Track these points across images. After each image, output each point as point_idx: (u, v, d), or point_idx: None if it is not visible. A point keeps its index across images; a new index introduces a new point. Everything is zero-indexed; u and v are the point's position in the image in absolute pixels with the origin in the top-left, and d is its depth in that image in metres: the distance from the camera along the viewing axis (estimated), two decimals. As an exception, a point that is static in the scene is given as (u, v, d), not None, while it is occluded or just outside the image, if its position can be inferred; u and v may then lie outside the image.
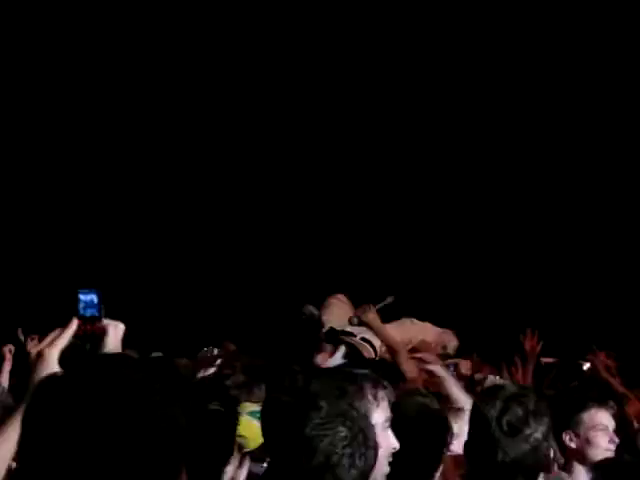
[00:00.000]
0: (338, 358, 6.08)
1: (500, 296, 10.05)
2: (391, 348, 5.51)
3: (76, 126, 10.57)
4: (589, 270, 10.31)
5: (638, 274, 9.99)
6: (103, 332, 2.53)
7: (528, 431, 2.93)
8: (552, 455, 3.00)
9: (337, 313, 6.53)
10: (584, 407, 4.30)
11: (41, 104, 10.38)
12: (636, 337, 8.75)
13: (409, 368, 5.19)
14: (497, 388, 3.19)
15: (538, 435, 2.92)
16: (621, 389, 5.98)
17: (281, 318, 7.33)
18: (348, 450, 2.24)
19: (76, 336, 2.56)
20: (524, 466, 2.86)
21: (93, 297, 2.63)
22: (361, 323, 5.85)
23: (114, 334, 2.52)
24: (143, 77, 10.48)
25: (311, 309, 6.66)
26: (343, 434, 2.26)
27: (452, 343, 6.60)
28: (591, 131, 10.43)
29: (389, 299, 6.12)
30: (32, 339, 6.15)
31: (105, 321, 2.57)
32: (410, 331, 6.41)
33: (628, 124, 10.35)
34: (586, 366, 6.93)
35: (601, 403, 4.37)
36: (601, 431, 4.20)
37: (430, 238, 10.62)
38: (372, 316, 5.77)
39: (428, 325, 6.74)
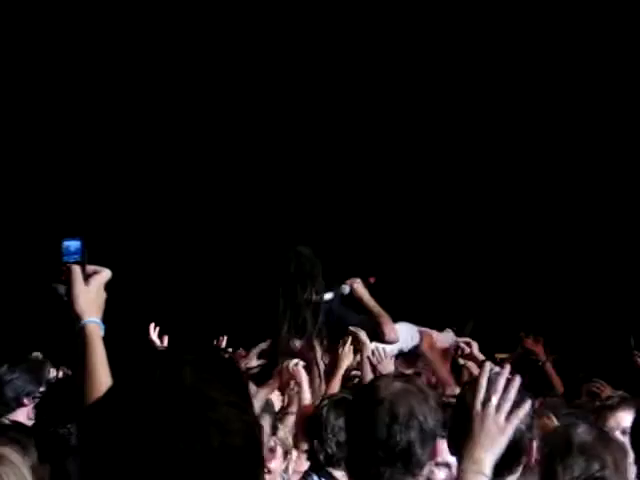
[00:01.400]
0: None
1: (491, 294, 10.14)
2: (378, 315, 5.91)
3: (79, 119, 10.56)
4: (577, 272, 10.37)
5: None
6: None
7: None
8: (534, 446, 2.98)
9: None
10: None
11: (40, 98, 10.36)
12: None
13: (388, 331, 5.71)
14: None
15: (521, 426, 2.91)
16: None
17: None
18: None
19: (60, 282, 2.55)
20: (505, 457, 2.83)
21: (77, 244, 2.61)
22: (351, 291, 6.10)
23: (77, 277, 2.49)
24: (143, 75, 10.43)
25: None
26: None
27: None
28: (591, 131, 10.46)
29: (371, 280, 6.33)
30: None
31: (89, 267, 2.55)
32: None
33: (628, 124, 10.38)
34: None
35: None
36: None
37: (426, 241, 10.67)
38: (361, 287, 6.10)
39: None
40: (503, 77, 10.35)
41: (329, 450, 4.03)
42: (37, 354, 6.53)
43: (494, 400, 2.36)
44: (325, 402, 4.23)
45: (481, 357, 5.66)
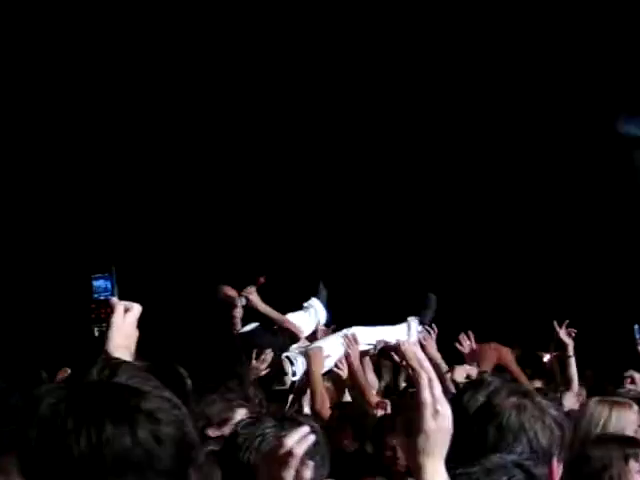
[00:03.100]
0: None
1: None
2: (280, 320, 6.59)
3: (96, 122, 10.60)
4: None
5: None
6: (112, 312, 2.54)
7: None
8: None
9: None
10: None
11: (42, 102, 10.40)
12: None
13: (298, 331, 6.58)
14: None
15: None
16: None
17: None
18: None
19: (89, 320, 2.58)
20: None
21: (107, 281, 2.65)
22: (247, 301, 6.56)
23: (120, 313, 2.52)
24: (143, 75, 10.47)
25: None
26: None
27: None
28: (591, 132, 10.41)
29: (261, 279, 6.76)
30: None
31: (118, 302, 2.58)
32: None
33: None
34: (546, 357, 6.88)
35: None
36: None
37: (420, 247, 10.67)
38: (255, 297, 6.54)
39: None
40: (503, 77, 10.33)
41: None
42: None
43: (439, 408, 2.33)
44: None
45: (437, 357, 5.59)
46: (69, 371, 6.26)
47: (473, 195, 10.78)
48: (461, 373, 5.20)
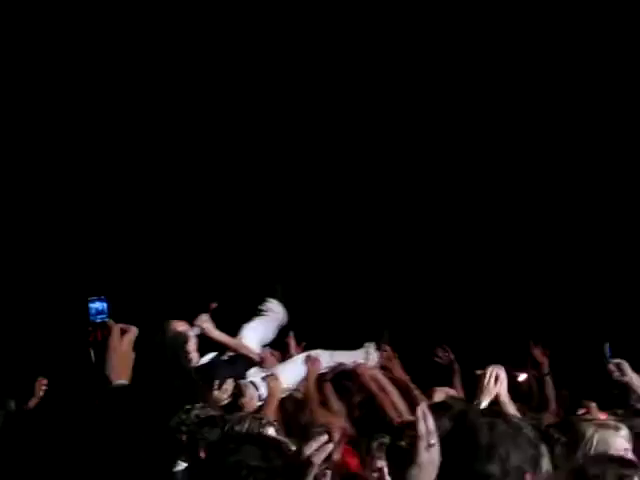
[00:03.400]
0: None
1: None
2: (237, 347, 6.66)
3: (89, 130, 10.57)
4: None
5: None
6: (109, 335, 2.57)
7: None
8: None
9: None
10: None
11: (42, 106, 10.38)
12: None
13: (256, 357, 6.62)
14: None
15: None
16: None
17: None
18: None
19: (86, 343, 2.60)
20: None
21: (103, 304, 2.67)
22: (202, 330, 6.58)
23: (117, 336, 2.55)
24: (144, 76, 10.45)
25: None
26: None
27: None
28: (590, 133, 10.41)
29: (213, 305, 6.81)
30: None
31: (114, 324, 2.60)
32: None
33: (628, 125, 10.34)
34: (522, 377, 6.89)
35: None
36: None
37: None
38: (206, 324, 6.58)
39: None
40: (503, 77, 10.34)
41: None
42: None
43: (432, 441, 2.34)
44: None
45: (405, 378, 5.62)
46: (45, 382, 6.28)
47: (448, 216, 10.72)
48: (440, 395, 5.21)
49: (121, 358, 2.51)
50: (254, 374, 6.64)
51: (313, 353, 6.81)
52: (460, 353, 6.68)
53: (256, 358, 6.79)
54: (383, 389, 5.62)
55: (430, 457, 2.27)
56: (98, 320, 2.65)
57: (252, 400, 6.32)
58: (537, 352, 6.64)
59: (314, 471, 2.03)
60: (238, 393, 6.30)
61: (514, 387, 6.89)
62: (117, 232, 10.52)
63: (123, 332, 2.59)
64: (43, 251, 10.53)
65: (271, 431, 4.13)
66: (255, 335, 6.97)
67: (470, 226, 10.56)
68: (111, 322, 2.59)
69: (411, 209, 10.65)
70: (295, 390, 6.46)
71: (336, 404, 6.29)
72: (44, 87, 10.28)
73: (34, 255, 10.50)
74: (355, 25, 10.32)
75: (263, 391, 6.40)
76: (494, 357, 7.55)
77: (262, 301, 7.35)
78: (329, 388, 6.48)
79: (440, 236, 10.57)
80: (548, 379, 6.47)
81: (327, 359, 6.81)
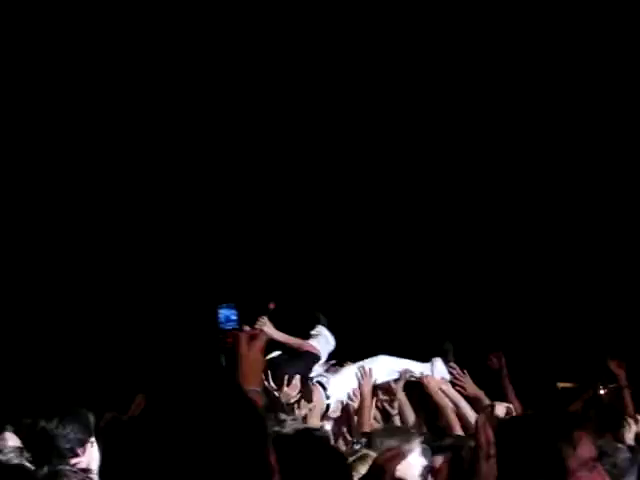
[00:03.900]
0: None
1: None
2: (298, 345, 6.74)
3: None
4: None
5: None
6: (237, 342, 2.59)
7: None
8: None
9: None
10: None
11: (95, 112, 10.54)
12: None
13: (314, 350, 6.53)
14: None
15: None
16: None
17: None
18: None
19: (218, 350, 2.63)
20: None
21: (232, 311, 2.69)
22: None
23: (245, 342, 2.57)
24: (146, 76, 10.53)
25: None
26: None
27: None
28: (590, 135, 10.14)
29: (271, 305, 6.88)
30: None
31: (247, 331, 2.63)
32: None
33: (627, 127, 10.07)
34: (602, 391, 6.70)
35: None
36: None
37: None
38: (268, 326, 6.62)
39: None
40: (503, 77, 10.13)
41: None
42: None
43: (492, 452, 2.31)
44: None
45: (479, 394, 5.49)
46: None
47: (509, 228, 10.53)
48: (501, 410, 5.20)
49: (251, 365, 2.52)
50: (318, 371, 6.71)
51: (380, 358, 6.79)
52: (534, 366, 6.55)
53: (319, 353, 6.84)
54: (451, 402, 5.60)
55: (490, 468, 2.26)
56: (228, 327, 2.67)
57: (320, 401, 6.39)
58: (613, 365, 6.48)
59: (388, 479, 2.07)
60: (305, 394, 6.35)
61: (596, 400, 6.76)
62: (246, 241, 10.69)
63: (252, 338, 2.61)
64: (173, 260, 10.75)
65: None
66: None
67: (536, 237, 10.40)
68: (240, 335, 2.62)
69: (462, 227, 10.56)
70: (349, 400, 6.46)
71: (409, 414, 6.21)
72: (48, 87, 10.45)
73: (165, 264, 10.74)
74: (355, 25, 10.22)
75: (332, 390, 6.44)
76: (571, 370, 7.44)
77: (312, 326, 7.41)
78: (405, 403, 6.39)
79: (505, 247, 10.43)
80: (626, 391, 6.30)
81: (393, 365, 6.77)
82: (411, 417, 6.21)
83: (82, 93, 10.48)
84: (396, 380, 6.56)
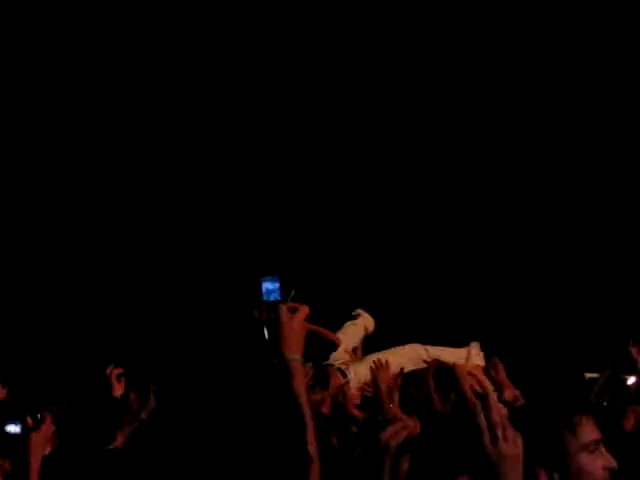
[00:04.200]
0: None
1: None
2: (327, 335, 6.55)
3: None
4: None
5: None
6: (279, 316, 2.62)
7: None
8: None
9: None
10: None
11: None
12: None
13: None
14: None
15: None
16: None
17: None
18: None
19: (261, 322, 2.65)
20: None
21: (275, 283, 2.71)
22: None
23: (286, 315, 2.59)
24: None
25: None
26: None
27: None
28: (588, 132, 10.02)
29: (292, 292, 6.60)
30: None
31: (289, 305, 2.65)
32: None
33: (626, 128, 9.94)
34: (630, 381, 6.54)
35: None
36: None
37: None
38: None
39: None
40: (503, 77, 10.02)
41: None
42: None
43: (499, 433, 2.23)
44: None
45: (507, 383, 5.36)
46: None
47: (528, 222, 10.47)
48: (510, 393, 5.14)
49: (293, 335, 2.55)
50: (342, 358, 6.66)
51: (408, 346, 6.73)
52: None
53: (338, 342, 6.82)
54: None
55: (500, 450, 2.19)
56: (271, 299, 2.69)
57: (335, 387, 6.33)
58: (635, 351, 6.28)
59: (392, 454, 2.05)
60: (319, 379, 6.34)
61: (624, 390, 6.64)
62: (290, 214, 10.73)
63: (293, 311, 2.63)
64: (215, 233, 10.82)
65: None
66: (344, 339, 6.98)
67: (557, 231, 10.33)
68: (281, 306, 2.64)
69: (493, 218, 10.51)
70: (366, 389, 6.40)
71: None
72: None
73: (207, 235, 10.81)
74: (355, 25, 10.18)
75: (350, 377, 6.40)
76: (596, 359, 7.35)
77: (354, 307, 7.37)
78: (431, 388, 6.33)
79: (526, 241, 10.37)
80: None
81: (422, 353, 6.70)
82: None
83: (82, 92, 10.59)
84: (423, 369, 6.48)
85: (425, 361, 6.52)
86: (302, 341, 2.60)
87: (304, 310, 2.64)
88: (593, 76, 9.95)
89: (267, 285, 2.72)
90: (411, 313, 9.34)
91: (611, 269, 10.00)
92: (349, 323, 7.24)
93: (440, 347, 6.88)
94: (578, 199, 10.27)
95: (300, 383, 2.52)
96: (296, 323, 2.60)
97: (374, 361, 6.24)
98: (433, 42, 10.21)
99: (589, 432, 2.71)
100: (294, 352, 2.55)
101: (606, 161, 10.09)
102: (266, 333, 2.62)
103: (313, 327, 6.82)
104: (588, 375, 6.83)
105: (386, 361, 6.22)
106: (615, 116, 10.06)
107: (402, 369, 6.33)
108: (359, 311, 7.38)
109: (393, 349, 6.78)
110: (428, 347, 6.84)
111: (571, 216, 10.25)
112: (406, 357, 6.58)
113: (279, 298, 2.68)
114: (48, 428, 3.86)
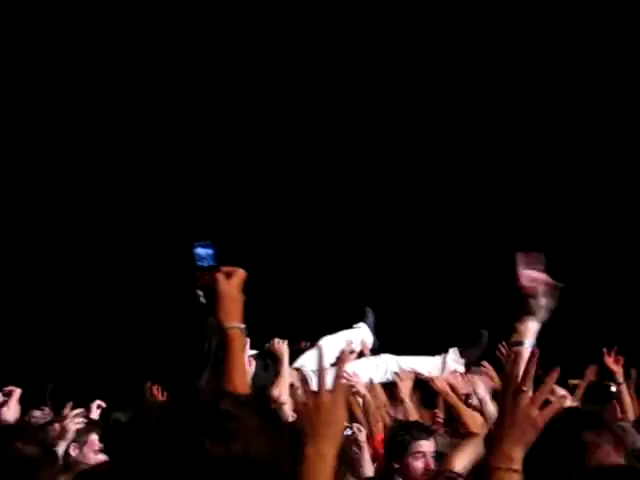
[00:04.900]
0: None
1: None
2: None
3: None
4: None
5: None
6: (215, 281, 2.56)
7: None
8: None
9: None
10: None
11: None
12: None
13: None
14: None
15: None
16: None
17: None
18: None
19: (196, 287, 2.59)
20: None
21: (209, 249, 2.65)
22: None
23: (223, 279, 2.54)
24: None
25: None
26: None
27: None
28: (589, 135, 10.14)
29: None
30: None
31: (224, 269, 2.59)
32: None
33: (626, 128, 10.08)
34: (614, 387, 6.62)
35: None
36: None
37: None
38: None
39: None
40: (503, 77, 10.13)
41: None
42: None
43: (529, 391, 2.22)
44: None
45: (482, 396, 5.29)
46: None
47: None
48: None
49: (231, 301, 2.50)
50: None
51: (383, 357, 6.63)
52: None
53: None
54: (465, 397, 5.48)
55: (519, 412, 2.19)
56: (205, 265, 2.63)
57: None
58: (609, 361, 6.31)
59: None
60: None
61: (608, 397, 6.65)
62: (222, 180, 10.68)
63: (229, 275, 2.57)
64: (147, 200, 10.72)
65: None
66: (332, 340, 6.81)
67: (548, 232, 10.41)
68: (217, 272, 2.58)
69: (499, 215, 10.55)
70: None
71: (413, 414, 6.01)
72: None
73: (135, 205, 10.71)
74: (355, 25, 10.21)
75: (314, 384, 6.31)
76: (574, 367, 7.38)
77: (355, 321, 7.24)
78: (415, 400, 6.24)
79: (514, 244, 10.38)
80: (623, 388, 6.11)
81: (393, 365, 6.60)
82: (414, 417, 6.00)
83: (81, 89, 10.50)
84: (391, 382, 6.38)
85: (396, 373, 6.43)
86: (240, 307, 2.54)
87: (240, 274, 2.58)
88: (593, 76, 10.00)
89: (199, 251, 2.66)
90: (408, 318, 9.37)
91: (591, 277, 10.08)
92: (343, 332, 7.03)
93: (413, 357, 6.75)
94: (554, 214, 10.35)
95: (239, 351, 2.48)
96: (233, 289, 2.54)
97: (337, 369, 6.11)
98: (433, 42, 10.21)
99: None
100: (232, 319, 2.50)
101: (602, 164, 10.15)
102: (202, 299, 2.57)
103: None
104: (571, 382, 6.81)
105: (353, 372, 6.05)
106: (615, 116, 10.14)
107: (371, 380, 6.23)
108: (360, 324, 7.18)
109: (364, 359, 6.66)
110: (400, 358, 6.70)
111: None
112: (371, 368, 6.45)
113: (213, 264, 2.62)
114: None
